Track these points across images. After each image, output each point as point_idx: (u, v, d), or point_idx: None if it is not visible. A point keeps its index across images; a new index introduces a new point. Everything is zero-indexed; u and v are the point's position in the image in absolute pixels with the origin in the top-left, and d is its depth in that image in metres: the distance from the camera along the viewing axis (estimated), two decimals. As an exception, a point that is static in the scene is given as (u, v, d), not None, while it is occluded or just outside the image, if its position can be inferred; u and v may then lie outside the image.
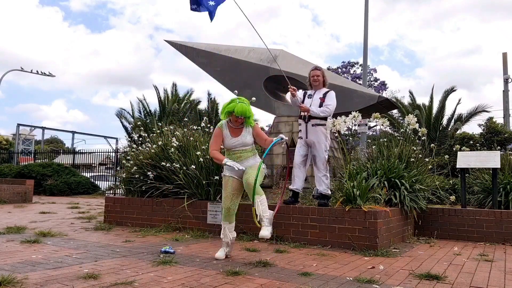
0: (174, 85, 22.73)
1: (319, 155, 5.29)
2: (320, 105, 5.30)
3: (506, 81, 20.77)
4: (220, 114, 4.16)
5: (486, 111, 17.89)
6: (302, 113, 5.39)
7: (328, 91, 5.44)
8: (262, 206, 3.92)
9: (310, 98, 5.41)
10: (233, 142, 4.14)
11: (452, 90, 18.00)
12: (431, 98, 18.10)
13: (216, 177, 5.77)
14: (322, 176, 5.31)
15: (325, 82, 5.52)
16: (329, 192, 5.32)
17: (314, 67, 5.59)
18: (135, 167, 6.47)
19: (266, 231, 3.84)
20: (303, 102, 5.41)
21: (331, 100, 5.34)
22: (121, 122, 22.25)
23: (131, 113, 22.02)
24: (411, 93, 19.42)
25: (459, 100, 19.01)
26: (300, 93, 5.52)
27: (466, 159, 6.17)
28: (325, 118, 5.33)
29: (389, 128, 18.29)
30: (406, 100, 20.48)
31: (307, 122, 5.35)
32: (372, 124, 21.68)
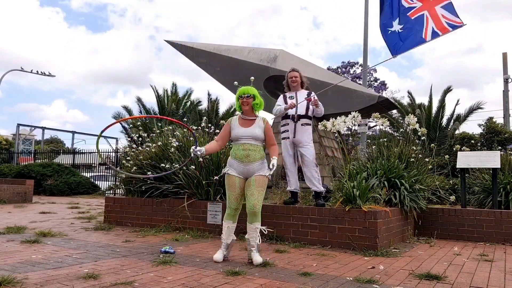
0: (174, 85, 22.73)
1: (309, 153, 5.32)
2: (307, 105, 5.37)
3: (506, 81, 20.78)
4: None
5: (481, 108, 17.99)
6: (290, 113, 5.40)
7: (310, 92, 5.50)
8: (255, 233, 3.99)
9: (292, 99, 5.45)
10: (241, 132, 3.99)
11: (448, 90, 18.09)
12: (430, 98, 18.13)
13: (216, 177, 5.76)
14: (313, 173, 5.34)
15: (303, 83, 5.58)
16: (322, 188, 5.38)
17: (291, 69, 5.63)
18: (135, 167, 6.47)
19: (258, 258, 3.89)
20: (286, 103, 5.48)
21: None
22: (120, 123, 22.25)
23: (129, 114, 22.02)
24: (409, 93, 19.45)
25: (458, 100, 19.14)
26: (280, 98, 5.63)
27: (466, 159, 6.17)
28: (310, 118, 5.44)
29: (389, 128, 18.31)
30: (406, 101, 20.51)
31: (296, 121, 5.37)
32: (372, 124, 21.68)
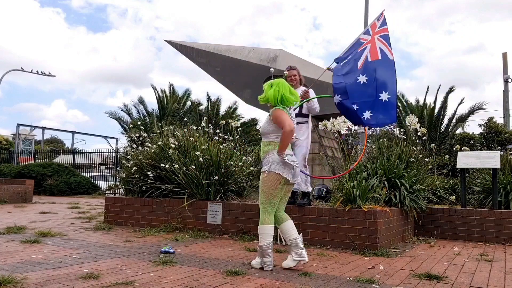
0: (171, 86, 22.73)
1: (301, 152, 5.29)
2: (302, 104, 5.32)
3: (506, 81, 20.77)
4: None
5: (482, 108, 17.96)
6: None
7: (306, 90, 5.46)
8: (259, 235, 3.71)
9: None
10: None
11: (451, 90, 18.05)
12: (435, 98, 18.10)
13: (216, 177, 5.76)
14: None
15: (301, 80, 5.53)
16: (310, 189, 5.33)
17: (289, 67, 5.56)
18: (135, 167, 6.47)
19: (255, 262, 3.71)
20: None
21: (315, 98, 5.39)
22: (120, 124, 22.28)
23: (128, 114, 22.05)
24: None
25: (462, 99, 19.06)
26: None
27: (466, 159, 6.17)
28: (307, 116, 5.38)
29: (389, 128, 18.25)
30: (406, 100, 20.48)
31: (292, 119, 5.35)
32: (372, 124, 21.59)
